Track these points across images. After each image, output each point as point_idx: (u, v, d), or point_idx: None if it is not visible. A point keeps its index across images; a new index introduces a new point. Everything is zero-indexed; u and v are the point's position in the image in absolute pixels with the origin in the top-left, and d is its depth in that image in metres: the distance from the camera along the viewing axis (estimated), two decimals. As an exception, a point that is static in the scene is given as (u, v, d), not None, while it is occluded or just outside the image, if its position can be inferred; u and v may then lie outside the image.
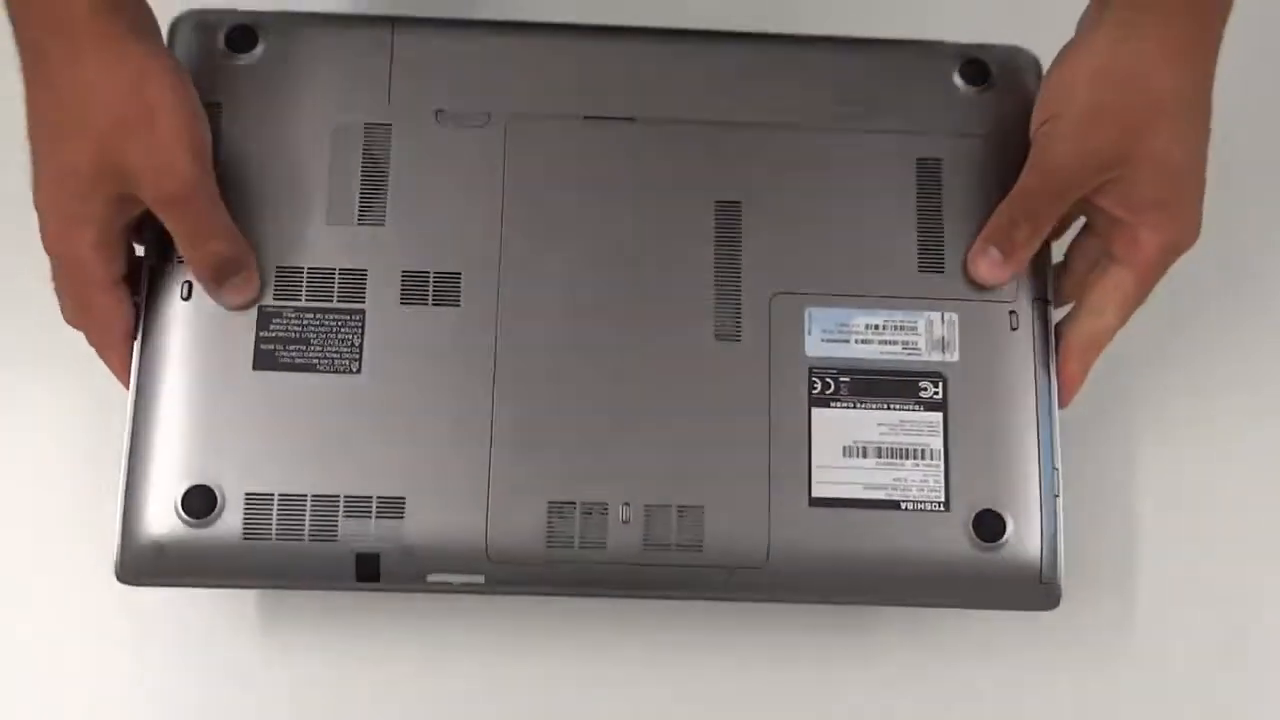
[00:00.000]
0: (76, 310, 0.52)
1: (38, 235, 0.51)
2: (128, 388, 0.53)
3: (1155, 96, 0.52)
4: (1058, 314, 0.57)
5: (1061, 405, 0.56)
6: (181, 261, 0.53)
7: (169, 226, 0.51)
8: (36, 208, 0.50)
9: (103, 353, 0.53)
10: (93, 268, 0.50)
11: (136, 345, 0.53)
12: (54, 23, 0.47)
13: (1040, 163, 0.54)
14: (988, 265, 0.55)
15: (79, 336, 0.53)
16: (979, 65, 0.58)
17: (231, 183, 0.54)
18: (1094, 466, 0.62)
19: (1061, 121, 0.53)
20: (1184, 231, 0.54)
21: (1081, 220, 0.57)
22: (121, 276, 0.51)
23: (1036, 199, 0.54)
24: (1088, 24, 0.54)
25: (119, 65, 0.48)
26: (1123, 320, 0.56)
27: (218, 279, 0.53)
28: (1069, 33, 0.55)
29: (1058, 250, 0.58)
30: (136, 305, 0.53)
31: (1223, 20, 0.53)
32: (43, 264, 0.51)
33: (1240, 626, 0.61)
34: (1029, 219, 0.54)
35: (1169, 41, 0.52)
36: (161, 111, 0.49)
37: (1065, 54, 0.54)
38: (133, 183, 0.49)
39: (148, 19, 0.50)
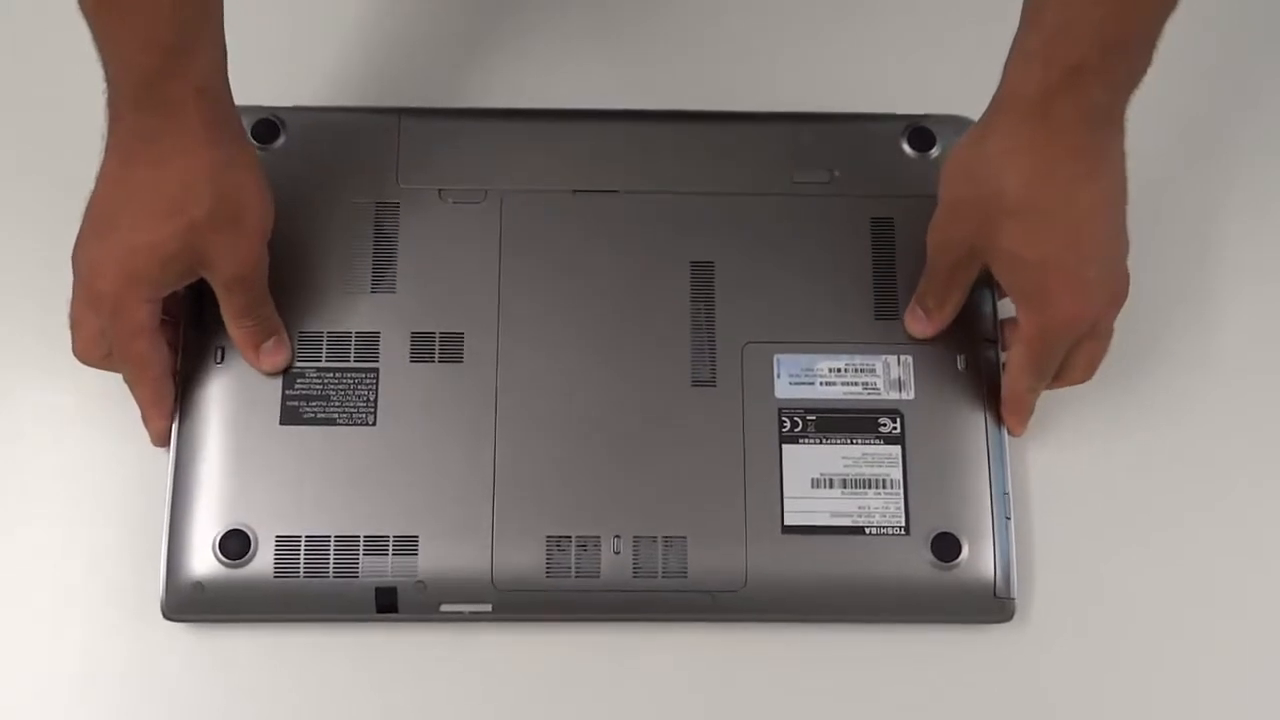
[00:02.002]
0: (117, 351, 0.57)
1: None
2: (154, 418, 0.58)
3: (999, 196, 0.53)
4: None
5: (1014, 434, 0.60)
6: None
7: (226, 301, 0.58)
8: (88, 261, 0.56)
9: (136, 388, 0.58)
10: (142, 319, 0.56)
11: (176, 402, 0.59)
12: (174, 124, 0.54)
13: (928, 243, 0.58)
14: (915, 323, 0.61)
15: (127, 395, 0.58)
16: (925, 133, 0.63)
17: (259, 259, 0.60)
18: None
19: (937, 210, 0.57)
20: (1054, 319, 0.56)
21: None
22: (159, 325, 0.57)
23: (933, 271, 0.59)
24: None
25: (222, 170, 0.55)
26: (1028, 380, 0.58)
27: (257, 346, 0.59)
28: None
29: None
30: (171, 346, 0.58)
31: (1090, 120, 0.52)
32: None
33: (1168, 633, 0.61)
34: (935, 286, 0.59)
35: (1014, 143, 0.53)
36: (249, 213, 0.56)
37: (951, 149, 0.57)
38: (207, 263, 0.56)
39: (240, 125, 0.57)
